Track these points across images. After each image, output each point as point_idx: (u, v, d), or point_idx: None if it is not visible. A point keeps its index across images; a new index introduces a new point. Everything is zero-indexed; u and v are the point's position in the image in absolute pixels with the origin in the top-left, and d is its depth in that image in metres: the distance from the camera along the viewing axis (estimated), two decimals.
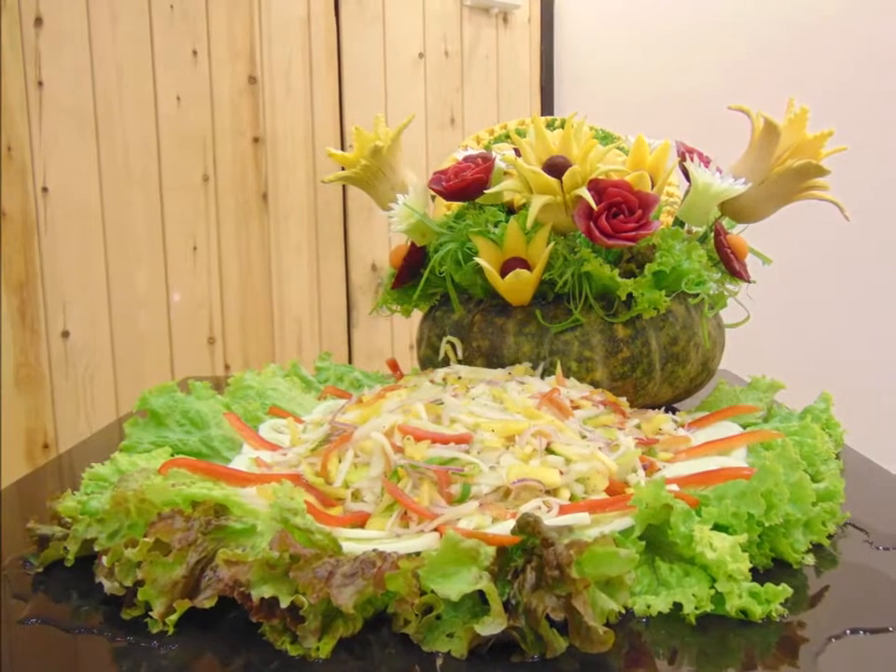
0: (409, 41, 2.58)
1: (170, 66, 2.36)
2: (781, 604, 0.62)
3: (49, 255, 2.30)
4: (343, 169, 1.16)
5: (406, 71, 2.58)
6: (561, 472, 0.75)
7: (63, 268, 2.32)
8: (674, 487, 0.74)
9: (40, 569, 0.72)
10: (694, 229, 1.09)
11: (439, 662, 0.57)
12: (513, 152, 1.04)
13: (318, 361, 1.32)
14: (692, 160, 1.03)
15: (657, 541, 0.68)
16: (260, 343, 2.52)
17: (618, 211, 0.95)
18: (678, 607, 0.62)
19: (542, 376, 1.00)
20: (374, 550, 0.62)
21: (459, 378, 0.98)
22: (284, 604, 0.57)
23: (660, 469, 0.83)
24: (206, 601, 0.61)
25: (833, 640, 0.59)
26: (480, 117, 2.66)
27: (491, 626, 0.56)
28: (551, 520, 0.68)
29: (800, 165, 0.99)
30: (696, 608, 0.62)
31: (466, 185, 1.04)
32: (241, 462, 0.89)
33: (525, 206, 1.05)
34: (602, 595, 0.59)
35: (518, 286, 1.01)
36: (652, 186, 1.01)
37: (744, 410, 1.02)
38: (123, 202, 2.36)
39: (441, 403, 0.85)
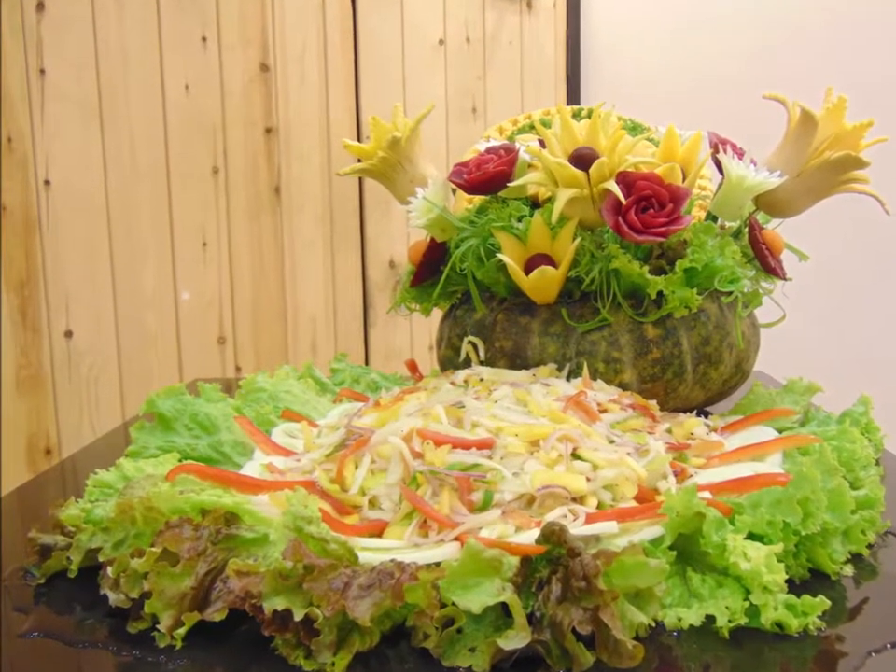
0: (428, 27, 2.57)
1: (178, 53, 2.37)
2: (819, 617, 0.62)
3: (51, 251, 2.32)
4: (359, 161, 1.16)
5: (425, 58, 2.58)
6: (588, 479, 0.75)
7: (66, 265, 2.33)
8: (706, 495, 0.74)
9: (42, 581, 0.73)
10: (728, 224, 1.09)
11: None
12: (538, 143, 1.04)
13: (334, 362, 1.33)
14: (725, 151, 1.02)
15: (689, 551, 0.68)
16: (273, 344, 2.52)
17: (647, 205, 0.95)
18: (710, 619, 0.62)
19: (568, 378, 1.00)
20: (392, 560, 0.62)
21: (481, 380, 0.98)
22: (297, 617, 0.58)
23: (691, 476, 0.83)
24: (216, 614, 0.61)
25: (873, 655, 0.58)
26: (503, 106, 2.65)
27: (515, 640, 0.56)
28: (577, 529, 0.68)
29: (838, 157, 0.99)
30: (730, 620, 0.62)
31: (488, 178, 1.04)
32: (252, 468, 0.89)
33: (550, 200, 1.05)
34: (631, 607, 0.59)
35: (543, 283, 1.01)
36: (684, 179, 1.00)
37: (779, 413, 1.02)
38: (129, 195, 2.37)
39: (463, 406, 0.85)
